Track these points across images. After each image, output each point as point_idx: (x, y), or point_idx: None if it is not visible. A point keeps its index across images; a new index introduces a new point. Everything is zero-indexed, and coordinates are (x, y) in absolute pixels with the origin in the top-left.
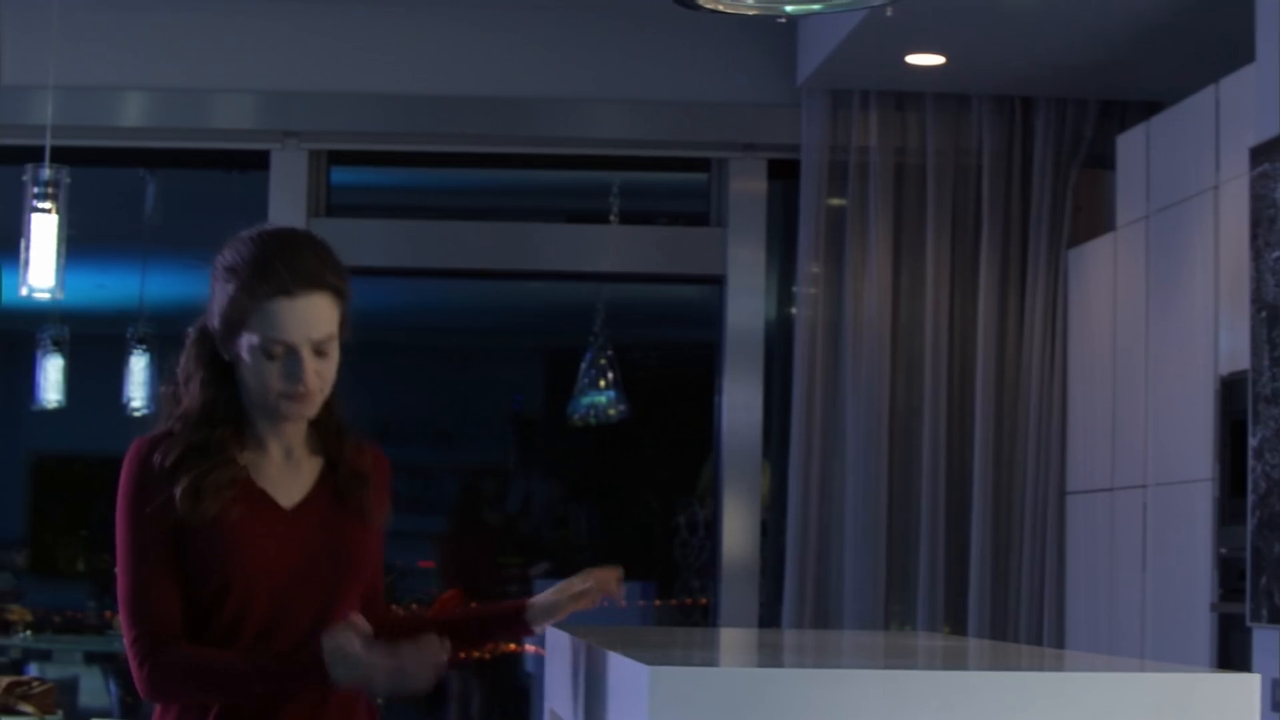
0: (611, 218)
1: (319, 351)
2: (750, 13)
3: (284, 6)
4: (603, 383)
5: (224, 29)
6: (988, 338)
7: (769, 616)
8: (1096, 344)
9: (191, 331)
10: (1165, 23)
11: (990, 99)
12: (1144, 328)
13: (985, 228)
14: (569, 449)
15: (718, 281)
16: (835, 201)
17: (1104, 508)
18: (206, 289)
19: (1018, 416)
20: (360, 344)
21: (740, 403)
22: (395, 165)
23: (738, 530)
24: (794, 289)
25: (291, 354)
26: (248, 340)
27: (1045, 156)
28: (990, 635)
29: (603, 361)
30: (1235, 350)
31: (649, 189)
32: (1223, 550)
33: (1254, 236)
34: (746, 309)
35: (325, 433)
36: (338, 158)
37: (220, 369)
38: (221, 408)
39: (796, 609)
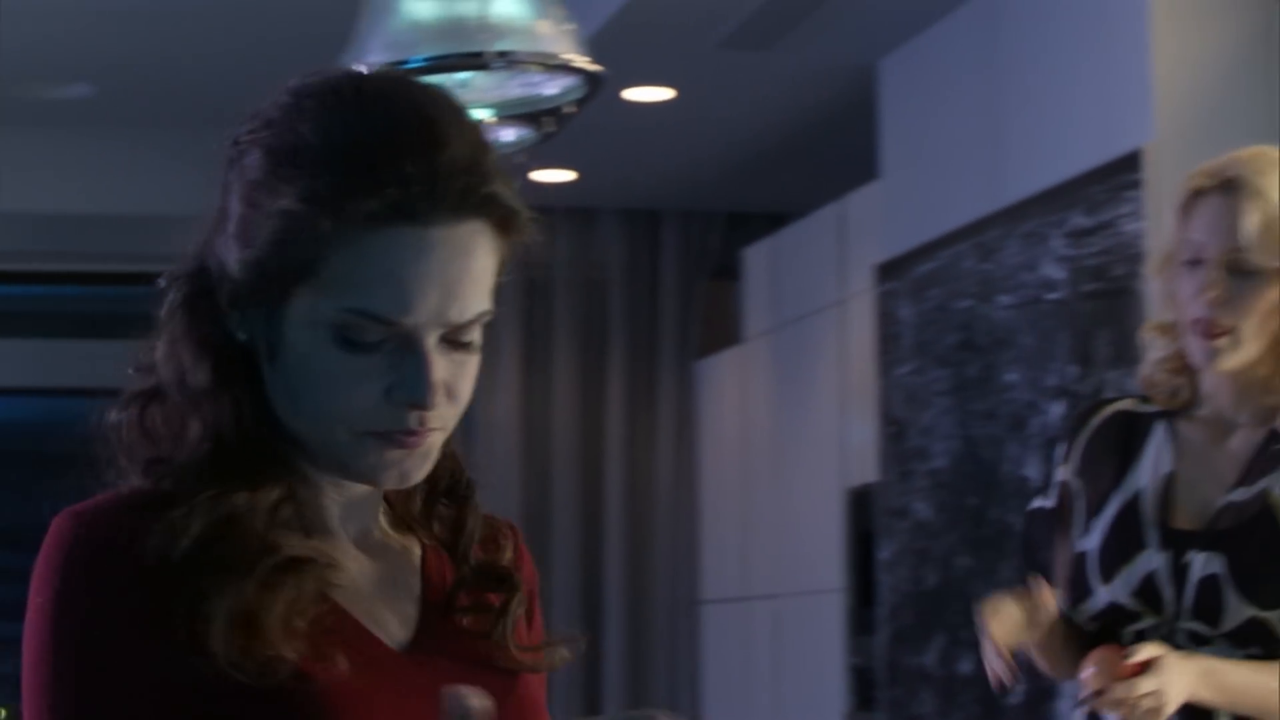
0: None
1: (456, 343)
2: None
3: None
4: None
5: None
6: (618, 447)
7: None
8: (726, 454)
9: (167, 287)
10: (791, 137)
11: (618, 213)
12: (772, 439)
13: (614, 338)
14: None
15: None
16: None
17: (736, 617)
18: None
19: (649, 525)
20: None
21: None
22: (18, 283)
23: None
24: None
25: (406, 348)
26: (310, 309)
27: (673, 268)
28: None
29: None
30: (862, 463)
31: None
32: (854, 660)
33: (881, 352)
34: None
35: (434, 491)
36: None
37: (235, 356)
38: (255, 434)
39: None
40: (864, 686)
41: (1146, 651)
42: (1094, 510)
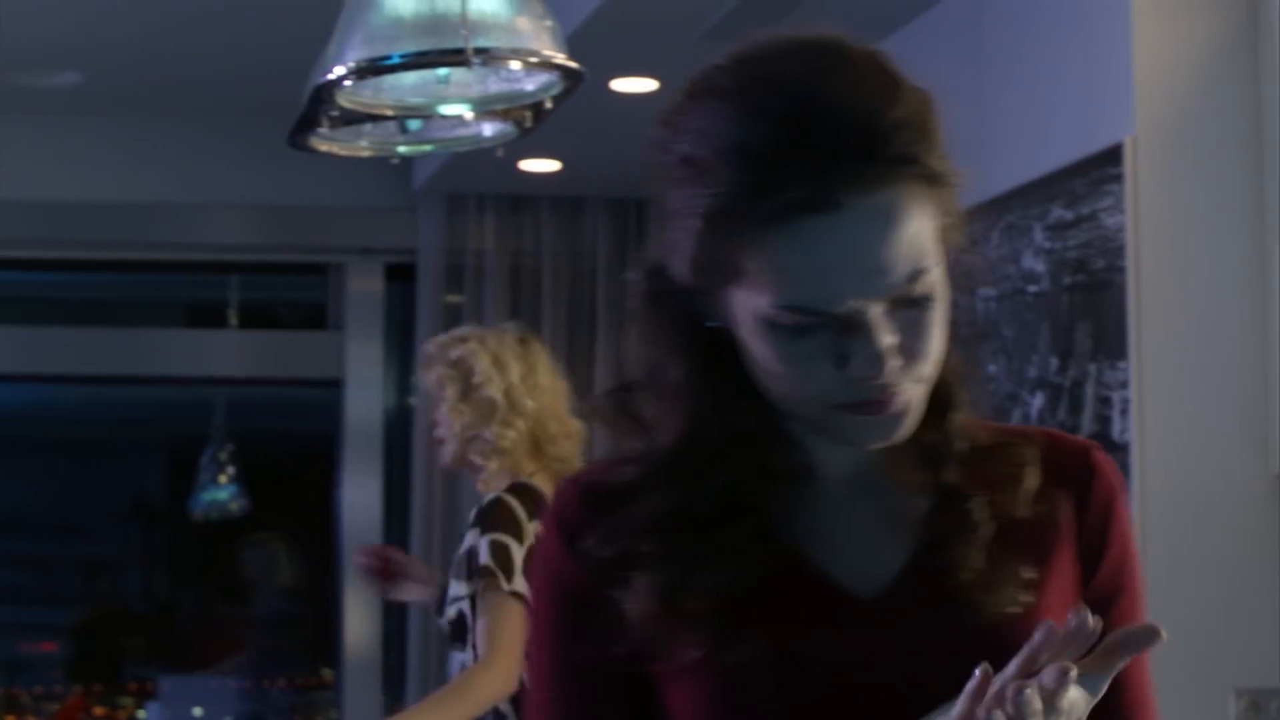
0: (231, 321)
1: (906, 300)
2: (365, 154)
3: None
4: (223, 478)
5: None
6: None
7: (391, 704)
8: None
9: (637, 278)
10: None
11: (605, 201)
12: None
13: (601, 326)
14: (192, 541)
15: (336, 384)
16: (453, 298)
17: None
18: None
19: None
20: None
21: (360, 495)
22: (14, 270)
23: (360, 620)
24: (412, 382)
25: (846, 327)
26: (744, 304)
27: None
28: None
29: (223, 456)
30: None
31: (269, 291)
32: None
33: None
34: (364, 407)
35: (933, 426)
36: None
37: (705, 344)
38: (724, 418)
39: (420, 698)
40: None
41: None
42: None
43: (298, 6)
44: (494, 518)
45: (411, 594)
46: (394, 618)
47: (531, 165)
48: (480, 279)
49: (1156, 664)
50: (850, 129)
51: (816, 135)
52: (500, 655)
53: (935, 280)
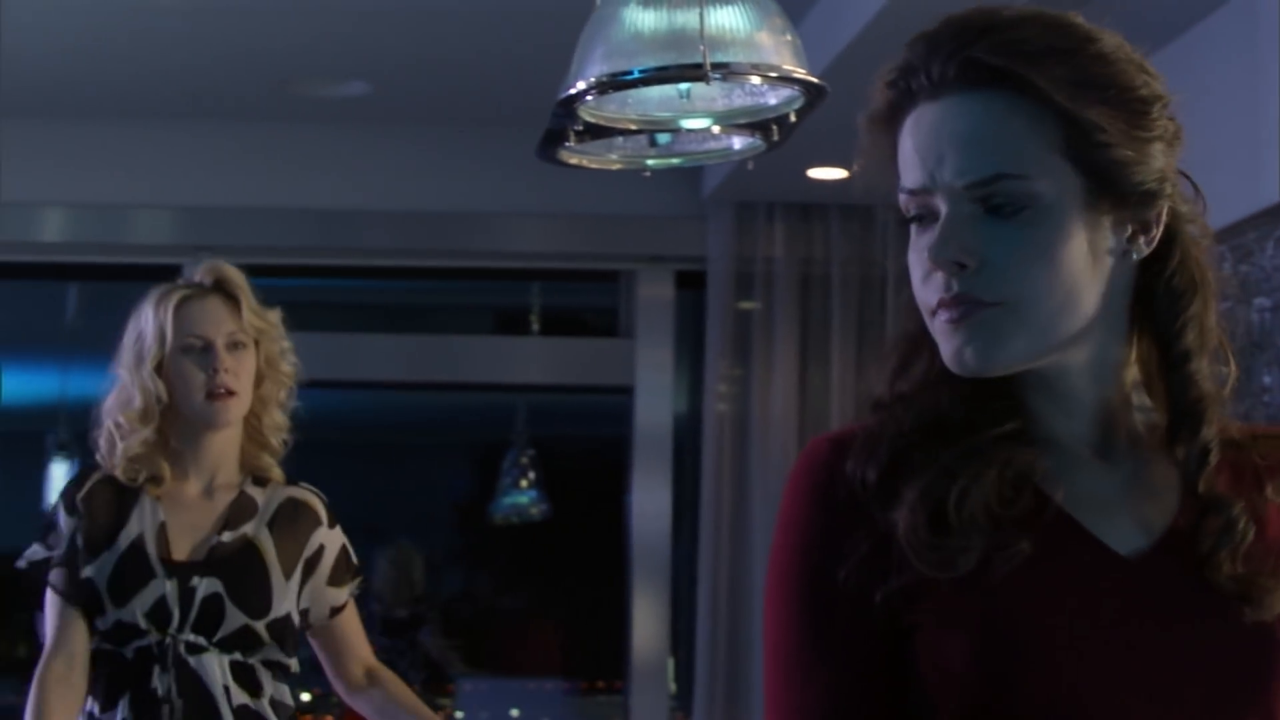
0: (533, 328)
1: (994, 211)
2: (615, 167)
3: (197, 124)
4: (524, 482)
5: (140, 146)
6: None
7: (679, 709)
8: None
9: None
10: None
11: (895, 210)
12: None
13: (890, 332)
14: (499, 543)
15: (627, 391)
16: (744, 305)
17: None
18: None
19: None
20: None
21: (650, 501)
22: (317, 278)
23: (648, 623)
24: (702, 389)
25: (933, 216)
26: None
27: None
28: None
29: (524, 461)
30: None
31: (567, 297)
32: None
33: None
34: (655, 414)
35: (1175, 415)
36: (254, 273)
37: None
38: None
39: (707, 705)
40: None
41: None
42: (97, 551)
43: (579, 13)
44: (336, 515)
45: None
46: (682, 621)
47: (820, 173)
48: (770, 287)
49: None
50: (967, 36)
51: (943, 41)
52: None
53: (1028, 197)
